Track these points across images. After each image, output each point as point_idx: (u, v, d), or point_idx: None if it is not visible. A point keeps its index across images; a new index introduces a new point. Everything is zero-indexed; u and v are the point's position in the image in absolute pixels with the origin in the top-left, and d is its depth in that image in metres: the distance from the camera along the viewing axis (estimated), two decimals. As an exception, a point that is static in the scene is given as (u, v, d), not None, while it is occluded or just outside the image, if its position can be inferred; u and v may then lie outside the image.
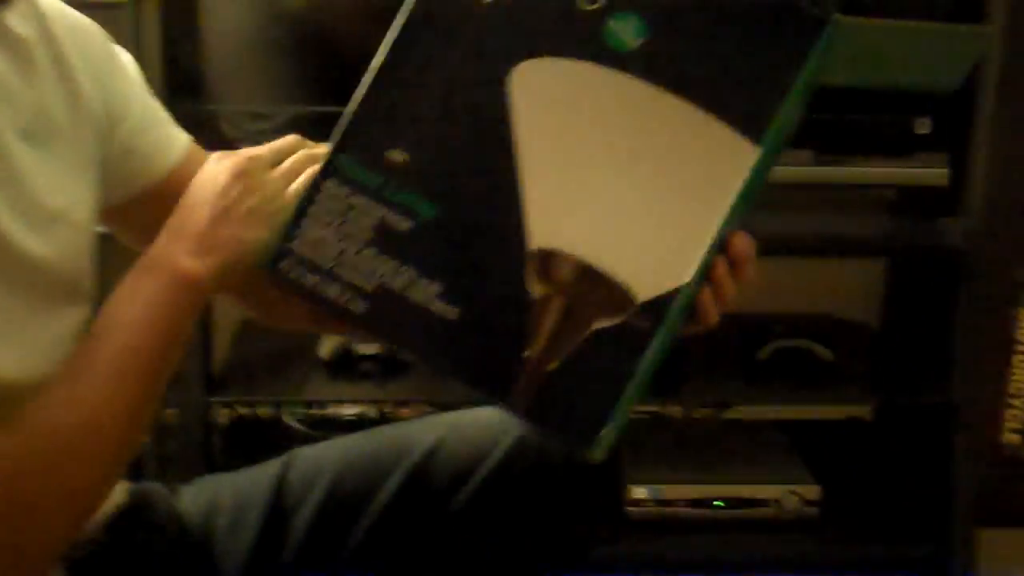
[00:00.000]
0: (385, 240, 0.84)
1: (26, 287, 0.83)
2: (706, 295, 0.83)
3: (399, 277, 0.84)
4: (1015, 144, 1.83)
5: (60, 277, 0.88)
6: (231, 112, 1.83)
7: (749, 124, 0.77)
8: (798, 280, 2.18)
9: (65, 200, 0.89)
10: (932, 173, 1.89)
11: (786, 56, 0.77)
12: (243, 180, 0.89)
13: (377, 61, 0.85)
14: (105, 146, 0.97)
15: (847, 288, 2.25)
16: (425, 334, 0.83)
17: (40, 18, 0.91)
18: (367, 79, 0.86)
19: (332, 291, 0.85)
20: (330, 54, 1.84)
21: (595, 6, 0.79)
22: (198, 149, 1.07)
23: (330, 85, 1.76)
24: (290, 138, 0.96)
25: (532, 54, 0.81)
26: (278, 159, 0.93)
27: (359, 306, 0.85)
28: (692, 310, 0.83)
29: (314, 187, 0.87)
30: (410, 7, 0.85)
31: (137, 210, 1.02)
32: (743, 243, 0.84)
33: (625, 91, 0.79)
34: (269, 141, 0.96)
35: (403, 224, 0.84)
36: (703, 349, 1.96)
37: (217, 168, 0.91)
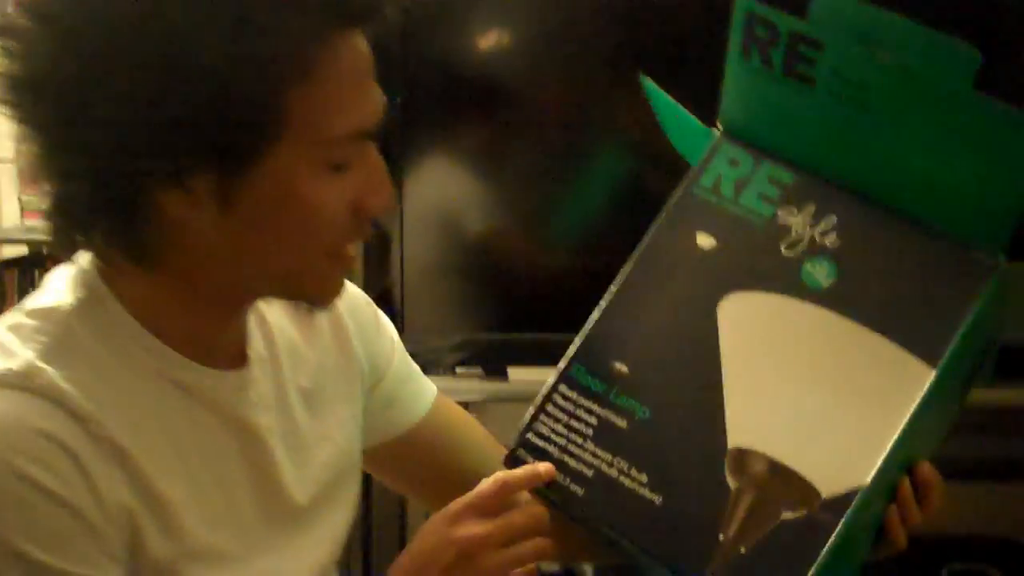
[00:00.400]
0: (604, 436, 0.99)
1: (290, 526, 0.96)
2: (893, 515, 0.94)
3: (614, 467, 0.98)
4: None
5: (317, 519, 1.00)
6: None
7: (926, 350, 0.91)
8: (978, 502, 2.20)
9: (333, 450, 1.02)
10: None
11: (960, 293, 0.92)
12: (470, 565, 0.91)
13: (612, 290, 1.03)
14: (367, 399, 1.08)
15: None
16: (632, 516, 0.97)
17: (279, 329, 1.00)
18: (602, 304, 1.03)
19: (558, 477, 1.00)
20: (506, 283, 2.05)
21: (795, 252, 0.96)
22: (444, 398, 1.16)
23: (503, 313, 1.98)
24: (499, 480, 0.95)
25: (740, 288, 0.97)
26: (503, 534, 0.92)
27: (578, 490, 0.99)
28: (881, 531, 0.95)
29: (551, 388, 1.03)
30: (642, 249, 1.03)
31: (388, 453, 1.12)
32: (928, 470, 0.94)
33: (817, 321, 0.95)
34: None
35: (620, 423, 0.99)
36: (880, 570, 1.99)
37: (443, 539, 0.91)
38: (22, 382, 0.80)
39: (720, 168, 0.99)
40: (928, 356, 0.91)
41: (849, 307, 0.94)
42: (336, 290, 0.93)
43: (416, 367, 1.16)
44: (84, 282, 0.87)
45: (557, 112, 2.03)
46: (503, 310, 2.03)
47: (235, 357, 0.94)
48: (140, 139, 0.77)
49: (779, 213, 0.97)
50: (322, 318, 1.03)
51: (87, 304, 0.86)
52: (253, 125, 0.78)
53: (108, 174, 0.79)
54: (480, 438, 1.18)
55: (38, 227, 2.14)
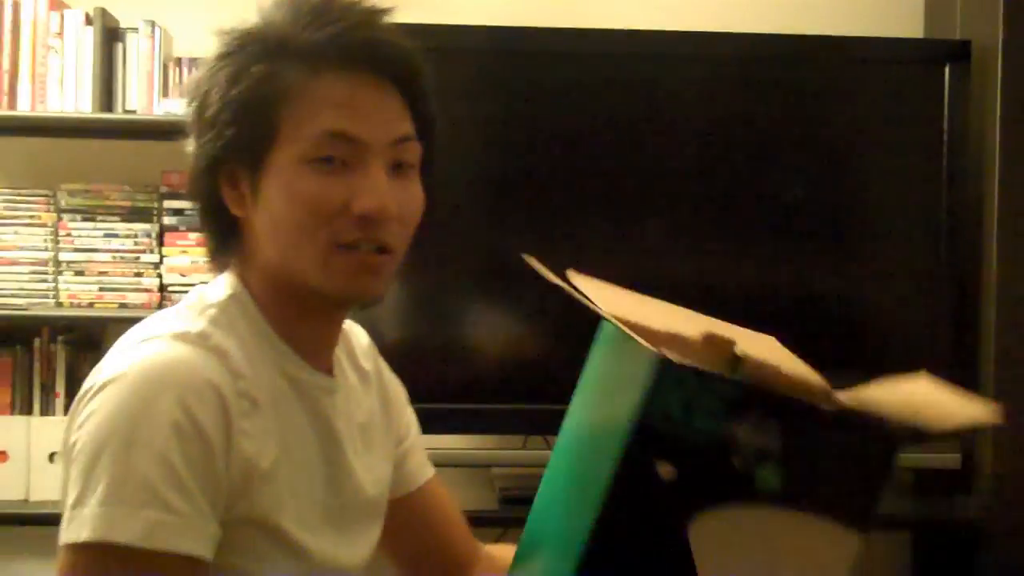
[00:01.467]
0: None
1: (350, 520, 1.16)
2: None
3: None
4: (1017, 429, 2.12)
5: (367, 523, 1.21)
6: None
7: (856, 520, 1.03)
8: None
9: (375, 482, 1.20)
10: (946, 457, 2.18)
11: (876, 469, 1.04)
12: None
13: (584, 537, 1.03)
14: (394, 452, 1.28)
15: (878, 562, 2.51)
16: None
17: (375, 358, 1.28)
18: (579, 554, 1.03)
19: None
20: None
21: (746, 461, 1.01)
22: (438, 477, 1.34)
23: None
24: None
25: (705, 509, 1.02)
26: None
27: None
28: None
29: None
30: (604, 490, 1.02)
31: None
32: None
33: (778, 521, 1.03)
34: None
35: None
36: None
37: None
38: (198, 340, 1.05)
39: (668, 392, 1.00)
40: (857, 523, 1.03)
41: (797, 502, 1.03)
42: (357, 285, 1.10)
43: (422, 446, 1.36)
44: (230, 283, 1.12)
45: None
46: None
47: (327, 369, 1.17)
48: (212, 149, 1.10)
49: (728, 426, 1.01)
50: (374, 377, 1.27)
51: (234, 298, 1.11)
52: (259, 134, 1.08)
53: (201, 184, 1.12)
54: (457, 519, 1.35)
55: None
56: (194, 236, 2.24)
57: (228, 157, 1.09)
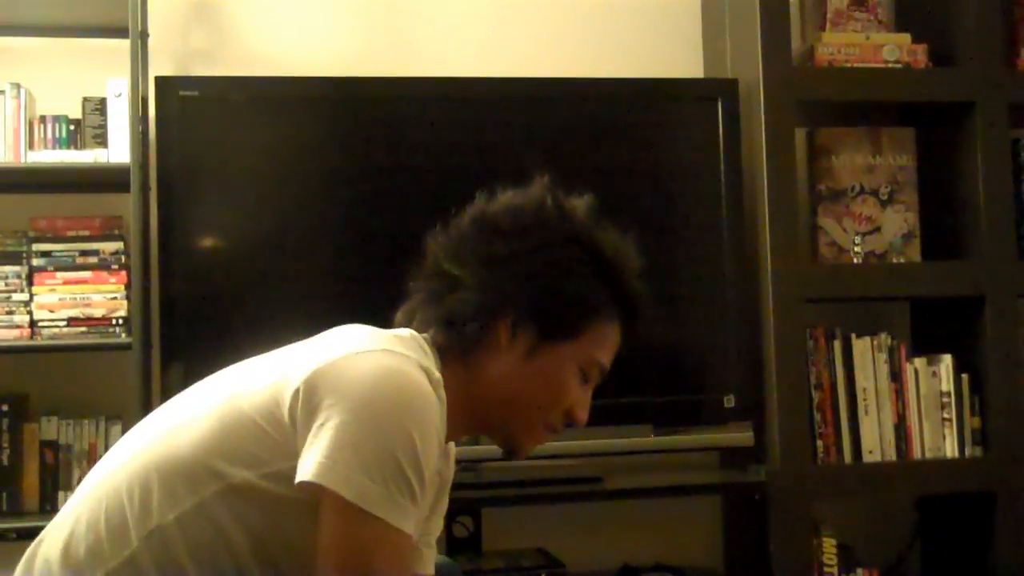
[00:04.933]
0: None
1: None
2: None
3: None
4: (796, 411, 2.47)
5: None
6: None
7: None
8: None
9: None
10: (743, 436, 2.52)
11: None
12: None
13: None
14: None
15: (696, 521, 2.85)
16: None
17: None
18: None
19: None
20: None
21: None
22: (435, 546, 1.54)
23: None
24: None
25: None
26: None
27: None
28: None
29: None
30: None
31: None
32: None
33: None
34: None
35: None
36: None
37: None
38: (426, 370, 1.28)
39: None
40: None
41: None
42: (529, 452, 1.43)
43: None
44: (428, 351, 1.37)
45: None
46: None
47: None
48: (515, 299, 1.37)
49: None
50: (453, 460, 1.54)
51: (423, 350, 1.36)
52: (569, 325, 1.38)
53: (487, 306, 1.37)
54: None
55: None
56: (61, 275, 2.46)
57: (529, 311, 1.36)
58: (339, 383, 1.23)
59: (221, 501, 1.25)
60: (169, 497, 1.26)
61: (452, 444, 1.51)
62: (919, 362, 2.58)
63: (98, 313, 2.46)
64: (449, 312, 1.39)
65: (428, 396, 1.25)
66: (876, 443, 2.54)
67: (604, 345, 1.40)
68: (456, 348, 1.38)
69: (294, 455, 1.23)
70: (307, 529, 1.23)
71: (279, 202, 2.48)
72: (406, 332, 1.39)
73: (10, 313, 2.45)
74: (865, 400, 2.54)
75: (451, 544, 2.47)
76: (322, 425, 1.21)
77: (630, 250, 1.44)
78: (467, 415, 1.39)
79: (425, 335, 1.40)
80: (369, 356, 1.26)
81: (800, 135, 2.62)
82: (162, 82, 2.44)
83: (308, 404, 1.23)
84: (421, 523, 1.37)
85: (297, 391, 1.24)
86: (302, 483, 1.20)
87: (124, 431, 1.82)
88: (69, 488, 2.42)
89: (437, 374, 1.30)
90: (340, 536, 1.21)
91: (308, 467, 1.20)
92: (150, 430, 1.35)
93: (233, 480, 1.25)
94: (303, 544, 1.24)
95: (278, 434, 1.25)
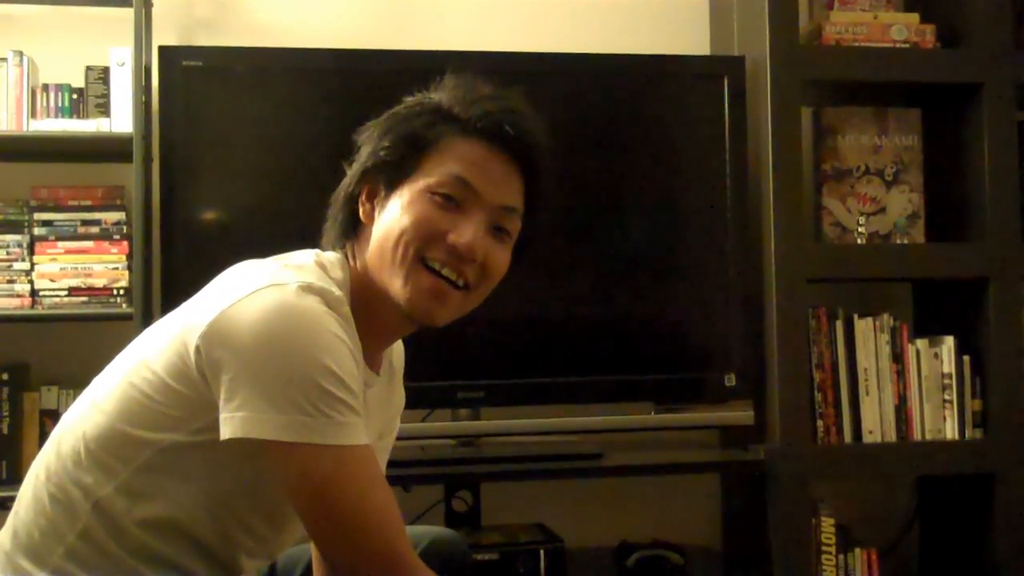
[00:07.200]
0: None
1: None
2: None
3: None
4: (797, 391, 2.46)
5: None
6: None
7: None
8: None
9: None
10: (744, 415, 2.52)
11: None
12: None
13: None
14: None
15: (696, 498, 2.85)
16: None
17: (398, 356, 1.55)
18: None
19: None
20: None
21: None
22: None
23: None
24: None
25: None
26: None
27: None
28: None
29: None
30: None
31: None
32: None
33: None
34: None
35: None
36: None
37: None
38: (319, 291, 1.26)
39: None
40: None
41: None
42: (424, 304, 1.34)
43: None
44: (343, 267, 1.36)
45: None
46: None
47: (374, 367, 1.42)
48: (366, 163, 1.38)
49: None
50: (397, 377, 1.54)
51: (345, 281, 1.35)
52: (405, 163, 1.34)
53: (348, 190, 1.39)
54: None
55: None
56: (63, 245, 2.46)
57: (374, 172, 1.36)
58: (236, 334, 1.23)
59: (156, 464, 1.28)
60: (103, 471, 1.30)
61: (400, 366, 1.55)
62: (921, 343, 2.58)
63: (99, 283, 2.46)
64: (329, 215, 1.43)
65: (320, 318, 1.24)
66: (876, 424, 2.54)
67: (454, 160, 1.34)
68: (341, 240, 1.40)
69: (215, 406, 1.24)
70: (257, 467, 1.25)
71: (281, 172, 2.47)
72: (308, 256, 1.38)
73: (11, 282, 2.45)
74: (866, 381, 2.54)
75: (450, 519, 2.48)
76: (232, 378, 1.22)
77: (482, 86, 1.40)
78: (376, 305, 1.36)
79: (331, 252, 1.41)
80: (256, 298, 1.24)
81: (806, 114, 2.61)
82: (165, 51, 2.42)
83: (211, 360, 1.24)
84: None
85: (198, 348, 1.25)
86: (235, 440, 1.22)
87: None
88: (69, 457, 2.41)
89: (336, 291, 1.29)
90: (302, 478, 1.22)
91: (236, 423, 1.21)
92: (80, 406, 1.37)
93: (162, 444, 1.28)
94: (256, 481, 1.28)
95: (192, 391, 1.27)
